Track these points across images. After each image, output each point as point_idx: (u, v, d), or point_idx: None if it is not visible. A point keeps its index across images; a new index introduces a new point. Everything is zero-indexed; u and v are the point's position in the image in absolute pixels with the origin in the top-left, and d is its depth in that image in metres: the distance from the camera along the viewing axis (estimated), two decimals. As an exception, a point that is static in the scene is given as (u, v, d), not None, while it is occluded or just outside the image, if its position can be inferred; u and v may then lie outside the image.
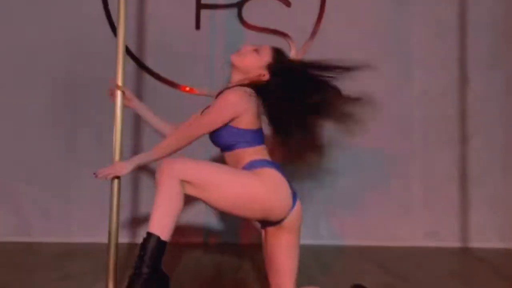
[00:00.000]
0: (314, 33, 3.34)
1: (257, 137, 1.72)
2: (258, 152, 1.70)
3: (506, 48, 3.42)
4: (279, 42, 3.32)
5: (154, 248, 1.46)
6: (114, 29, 3.25)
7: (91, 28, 3.29)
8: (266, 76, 1.73)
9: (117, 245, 1.78)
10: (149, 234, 1.48)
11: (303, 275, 1.91)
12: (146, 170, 3.08)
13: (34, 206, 3.22)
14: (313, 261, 2.47)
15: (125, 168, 1.68)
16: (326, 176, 3.29)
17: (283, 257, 1.69)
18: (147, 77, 3.32)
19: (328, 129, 1.82)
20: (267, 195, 1.60)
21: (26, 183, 3.22)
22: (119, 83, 1.82)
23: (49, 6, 3.30)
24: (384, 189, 3.34)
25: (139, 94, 3.18)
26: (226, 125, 1.67)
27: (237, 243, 3.17)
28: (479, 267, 2.72)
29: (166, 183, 1.49)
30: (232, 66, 1.77)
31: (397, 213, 3.34)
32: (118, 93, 1.80)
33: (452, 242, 3.32)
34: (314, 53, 3.29)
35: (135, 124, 3.19)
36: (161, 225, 1.48)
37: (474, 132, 3.38)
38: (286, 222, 1.67)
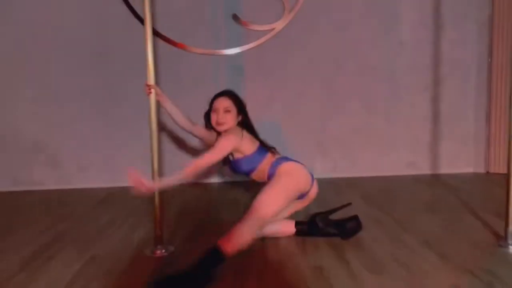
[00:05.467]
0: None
1: (261, 152, 2.29)
2: (270, 158, 2.29)
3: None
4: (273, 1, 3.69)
5: (216, 262, 1.83)
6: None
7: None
8: (240, 118, 2.31)
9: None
10: (220, 253, 1.83)
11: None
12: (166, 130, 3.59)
13: (71, 158, 3.77)
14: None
15: (153, 189, 2.07)
16: (319, 121, 3.83)
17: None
18: (160, 42, 3.67)
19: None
20: (297, 185, 2.25)
21: (65, 141, 3.75)
22: (150, 83, 2.24)
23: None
24: (370, 128, 3.88)
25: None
26: (240, 159, 2.26)
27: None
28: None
29: (258, 224, 2.02)
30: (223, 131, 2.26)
31: (381, 148, 3.92)
32: (152, 90, 2.23)
33: (427, 170, 3.94)
34: (305, 11, 3.69)
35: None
36: (235, 250, 1.87)
37: (448, 76, 3.84)
38: (310, 193, 2.36)
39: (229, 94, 2.32)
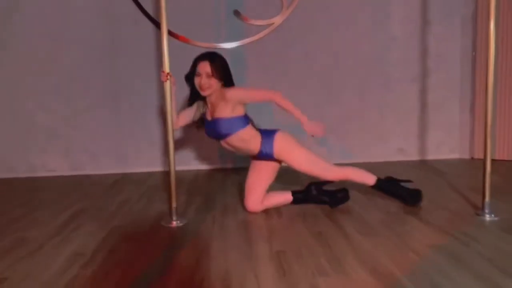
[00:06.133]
0: (302, -12, 3.94)
1: (245, 119, 2.51)
2: (252, 131, 2.52)
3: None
4: None
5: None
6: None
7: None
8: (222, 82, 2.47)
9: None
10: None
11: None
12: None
13: (82, 146, 4.01)
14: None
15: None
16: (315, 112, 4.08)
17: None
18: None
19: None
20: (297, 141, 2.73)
21: (77, 131, 3.99)
22: (167, 71, 2.47)
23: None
24: (363, 117, 4.15)
25: (158, 51, 3.83)
26: (221, 119, 2.42)
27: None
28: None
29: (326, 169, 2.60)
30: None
31: (373, 136, 4.19)
32: (168, 77, 2.46)
33: (415, 156, 4.23)
34: (302, 7, 3.95)
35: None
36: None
37: (435, 68, 4.12)
38: None
39: (212, 59, 2.47)
